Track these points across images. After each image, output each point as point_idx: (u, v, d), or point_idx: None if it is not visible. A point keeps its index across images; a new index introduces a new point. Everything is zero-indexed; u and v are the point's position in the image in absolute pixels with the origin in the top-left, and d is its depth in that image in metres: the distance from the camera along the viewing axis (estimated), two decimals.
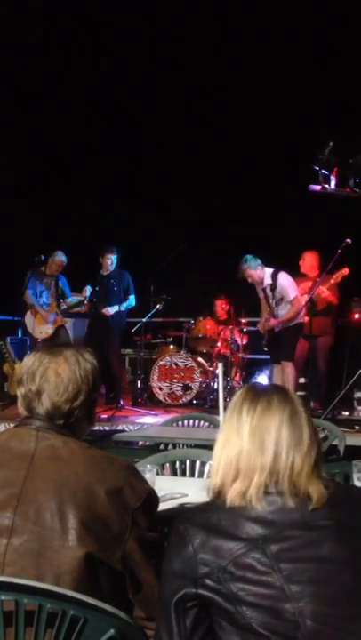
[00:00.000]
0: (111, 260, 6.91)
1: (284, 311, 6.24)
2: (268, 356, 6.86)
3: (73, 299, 7.01)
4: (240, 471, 1.31)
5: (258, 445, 1.31)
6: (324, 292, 6.48)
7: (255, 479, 1.29)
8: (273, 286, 6.22)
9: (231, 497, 1.29)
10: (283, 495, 1.27)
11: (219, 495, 1.33)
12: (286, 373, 6.24)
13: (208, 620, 1.26)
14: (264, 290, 6.35)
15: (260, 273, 6.24)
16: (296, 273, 6.69)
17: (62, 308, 6.94)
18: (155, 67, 8.62)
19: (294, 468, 1.29)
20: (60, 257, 6.91)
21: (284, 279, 6.21)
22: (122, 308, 6.82)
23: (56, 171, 9.08)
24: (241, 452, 1.32)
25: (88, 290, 6.71)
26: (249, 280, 6.33)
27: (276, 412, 1.34)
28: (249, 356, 7.94)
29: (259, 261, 6.25)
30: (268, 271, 6.25)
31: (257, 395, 1.38)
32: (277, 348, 6.39)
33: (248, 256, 6.25)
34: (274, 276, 6.21)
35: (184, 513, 1.36)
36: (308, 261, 6.85)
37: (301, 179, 5.69)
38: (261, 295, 6.46)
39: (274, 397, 1.37)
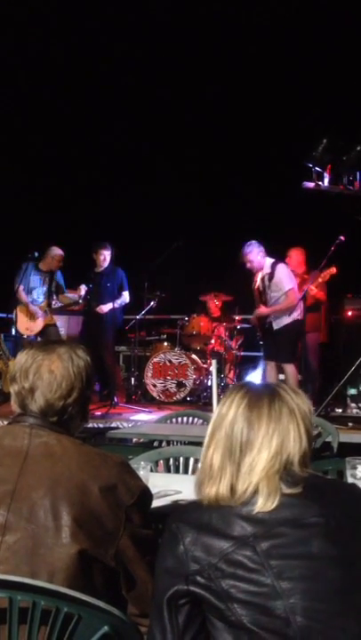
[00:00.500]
0: (104, 256, 6.87)
1: (278, 302, 6.21)
2: (262, 354, 6.84)
3: (69, 295, 6.98)
4: (208, 472, 1.32)
5: (217, 445, 1.33)
6: (313, 289, 6.48)
7: (222, 479, 1.30)
8: (271, 276, 6.20)
9: (206, 497, 1.31)
10: (257, 494, 1.27)
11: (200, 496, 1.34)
12: (287, 374, 6.20)
13: (201, 618, 1.26)
14: (262, 279, 6.33)
15: (261, 261, 6.24)
16: None
17: (57, 305, 6.91)
18: (152, 63, 8.60)
19: (243, 467, 1.29)
20: (59, 251, 6.87)
21: (283, 270, 6.21)
22: (115, 306, 6.81)
23: (51, 167, 9.06)
24: (208, 452, 1.34)
25: (84, 289, 6.68)
26: (247, 265, 6.31)
27: (232, 408, 1.35)
28: (243, 353, 7.95)
29: (262, 249, 6.25)
30: (269, 261, 6.25)
31: (229, 392, 1.39)
32: (273, 346, 6.34)
33: (254, 242, 6.27)
34: (273, 266, 6.20)
35: (177, 511, 1.37)
36: (295, 258, 6.86)
37: (297, 176, 5.70)
38: (258, 284, 6.41)
39: (238, 393, 1.37)
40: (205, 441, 1.38)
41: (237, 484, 1.29)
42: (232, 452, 1.31)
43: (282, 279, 6.16)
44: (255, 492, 1.27)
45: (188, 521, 1.29)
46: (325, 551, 1.22)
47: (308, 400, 1.39)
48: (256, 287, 6.42)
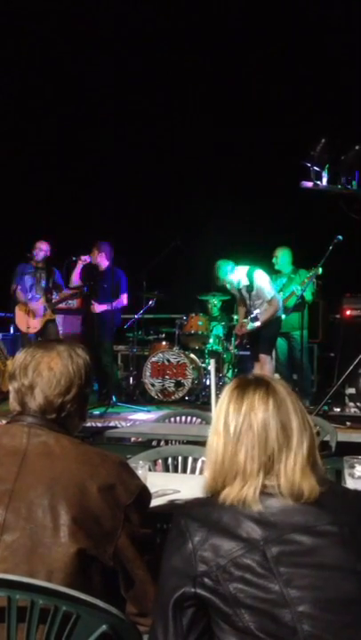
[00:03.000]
0: (94, 254, 6.86)
1: (260, 310, 6.11)
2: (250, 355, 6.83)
3: (67, 290, 6.98)
4: (232, 472, 1.29)
5: (246, 445, 1.30)
6: (298, 289, 6.47)
7: (249, 479, 1.27)
8: (250, 287, 6.09)
9: (226, 497, 1.28)
10: (282, 495, 1.25)
11: (213, 494, 1.32)
12: (264, 369, 6.16)
13: (205, 621, 1.24)
14: (240, 291, 6.25)
15: (237, 275, 6.16)
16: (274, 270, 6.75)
17: (55, 299, 6.91)
18: (152, 63, 8.60)
19: (288, 464, 1.27)
20: (44, 250, 6.87)
21: (261, 278, 6.10)
22: (112, 308, 6.77)
23: (50, 166, 9.06)
24: (232, 453, 1.31)
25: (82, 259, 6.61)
26: (228, 287, 6.26)
27: (260, 407, 1.32)
28: (241, 353, 7.94)
29: (231, 264, 6.17)
30: (243, 270, 6.15)
31: (242, 391, 1.36)
32: (257, 344, 6.33)
33: (221, 262, 6.16)
34: (250, 276, 6.08)
35: (185, 506, 1.34)
36: (282, 258, 6.86)
37: (295, 175, 5.70)
38: (237, 296, 6.36)
39: (258, 391, 1.34)
40: (213, 445, 1.35)
41: (256, 484, 1.27)
42: (262, 451, 1.29)
43: (263, 287, 6.08)
44: (271, 493, 1.26)
45: (197, 517, 1.27)
46: (338, 561, 1.21)
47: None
48: (238, 299, 6.35)
